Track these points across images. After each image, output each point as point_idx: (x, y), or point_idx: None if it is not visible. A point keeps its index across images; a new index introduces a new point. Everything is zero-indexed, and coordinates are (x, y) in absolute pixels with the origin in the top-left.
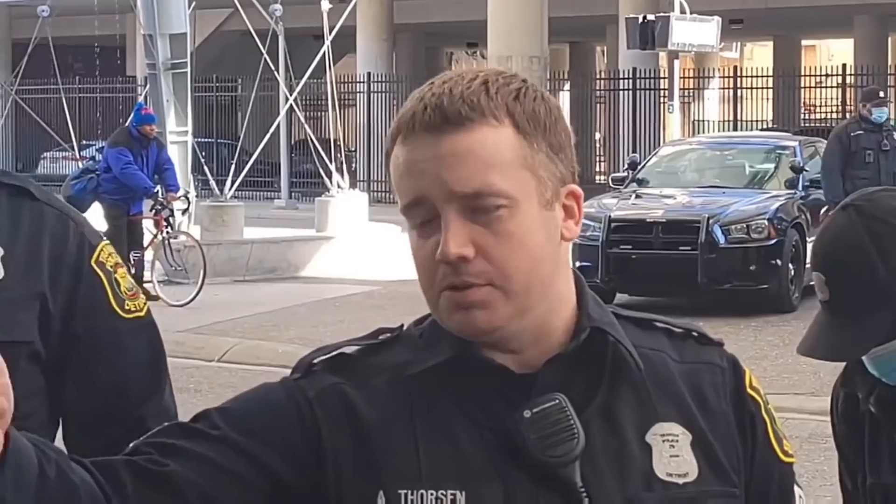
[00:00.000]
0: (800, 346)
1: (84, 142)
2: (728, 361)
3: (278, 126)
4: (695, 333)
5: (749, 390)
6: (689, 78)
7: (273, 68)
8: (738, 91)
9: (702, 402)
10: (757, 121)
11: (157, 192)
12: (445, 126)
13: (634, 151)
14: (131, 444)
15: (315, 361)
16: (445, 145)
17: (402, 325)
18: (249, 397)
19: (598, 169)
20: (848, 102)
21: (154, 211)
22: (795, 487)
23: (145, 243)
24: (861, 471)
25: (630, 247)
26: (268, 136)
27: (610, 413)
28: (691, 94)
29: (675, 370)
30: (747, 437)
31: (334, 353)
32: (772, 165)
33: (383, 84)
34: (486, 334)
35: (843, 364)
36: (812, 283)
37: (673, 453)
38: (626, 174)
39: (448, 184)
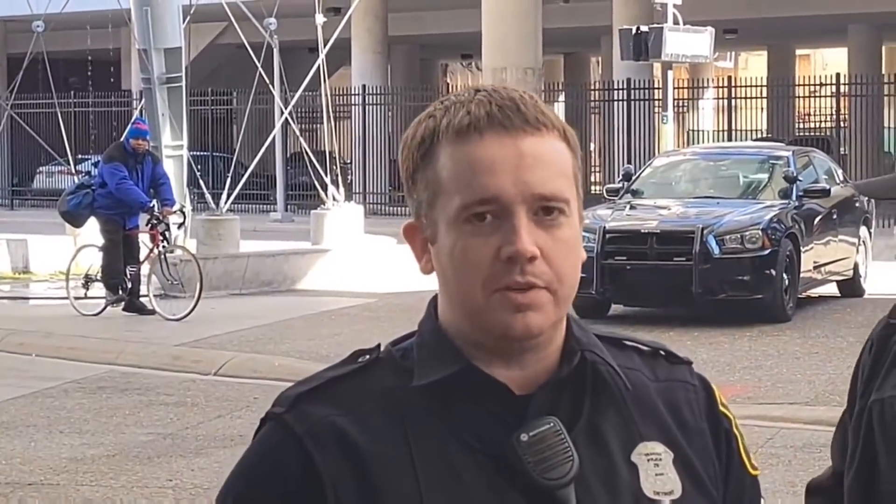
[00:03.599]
0: (858, 183)
1: (80, 156)
2: (698, 379)
3: (274, 139)
4: (662, 352)
5: (721, 408)
6: (683, 88)
7: (268, 81)
8: (733, 101)
9: (679, 420)
10: (751, 130)
11: (153, 206)
12: (525, 127)
13: (629, 162)
14: None
15: (299, 394)
16: (526, 146)
17: (380, 346)
18: (242, 470)
19: (592, 180)
20: (842, 111)
21: (150, 225)
22: (761, 500)
23: (141, 258)
24: (865, 395)
25: (625, 258)
26: (263, 149)
27: (596, 433)
28: (685, 104)
29: (651, 389)
30: (722, 453)
31: (316, 383)
32: (766, 175)
33: (378, 96)
34: (534, 337)
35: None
36: (806, 293)
37: (658, 472)
38: (620, 185)
39: (527, 184)
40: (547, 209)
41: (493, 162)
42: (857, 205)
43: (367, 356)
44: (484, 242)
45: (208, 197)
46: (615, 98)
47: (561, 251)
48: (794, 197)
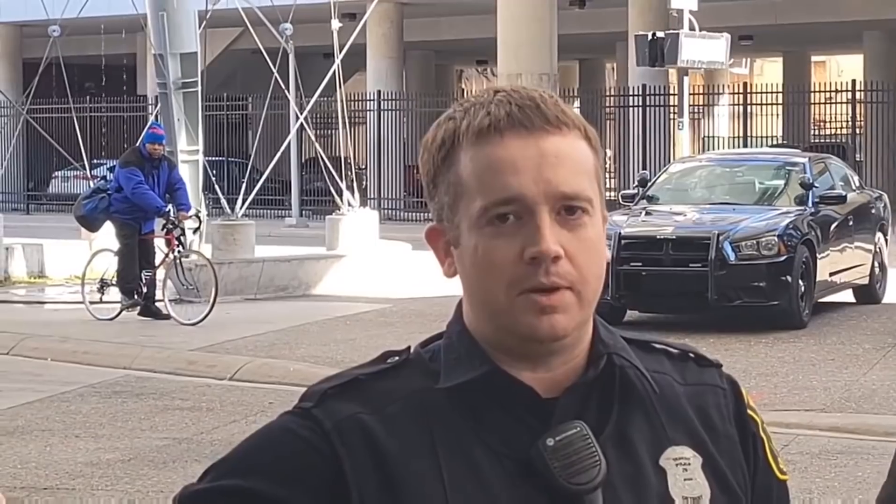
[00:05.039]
0: None
1: (95, 161)
2: (728, 382)
3: (289, 144)
4: (692, 355)
5: (749, 411)
6: (698, 94)
7: (283, 87)
8: (748, 107)
9: (708, 424)
10: (767, 137)
11: (169, 211)
12: (546, 127)
13: (644, 168)
14: None
15: (327, 389)
16: (547, 145)
17: (410, 348)
18: (260, 442)
19: (607, 185)
20: (858, 118)
21: (165, 230)
22: None
23: (157, 262)
24: None
25: (640, 264)
26: (278, 154)
27: (623, 438)
28: (701, 110)
29: (680, 393)
30: (750, 457)
31: (346, 379)
32: (781, 182)
33: (393, 102)
34: (560, 339)
35: None
36: (821, 300)
37: (686, 476)
38: (636, 191)
39: (550, 182)
40: (570, 208)
41: (515, 162)
42: (874, 211)
43: (397, 357)
44: (507, 244)
45: (223, 202)
46: (631, 104)
47: (584, 251)
48: (809, 203)
